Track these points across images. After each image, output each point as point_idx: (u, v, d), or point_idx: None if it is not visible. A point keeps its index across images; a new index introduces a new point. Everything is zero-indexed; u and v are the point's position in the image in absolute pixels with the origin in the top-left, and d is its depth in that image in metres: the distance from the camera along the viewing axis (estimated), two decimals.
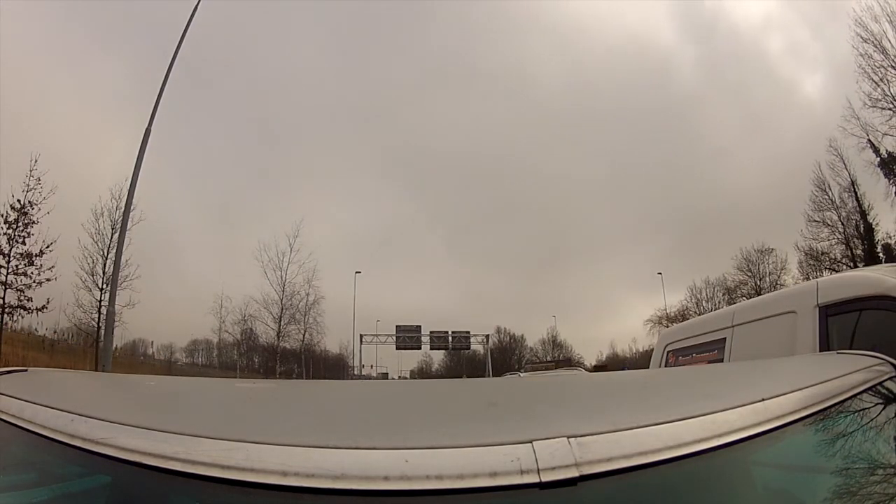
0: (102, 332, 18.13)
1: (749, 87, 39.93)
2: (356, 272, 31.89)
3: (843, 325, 2.76)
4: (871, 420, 1.04)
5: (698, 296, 33.07)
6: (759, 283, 30.05)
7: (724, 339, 3.59)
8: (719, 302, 31.07)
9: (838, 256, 25.46)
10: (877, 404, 1.06)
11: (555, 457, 0.63)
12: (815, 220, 26.05)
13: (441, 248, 49.08)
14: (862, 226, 24.76)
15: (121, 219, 17.36)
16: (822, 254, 25.85)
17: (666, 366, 4.36)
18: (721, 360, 3.54)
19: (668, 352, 4.42)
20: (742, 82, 39.88)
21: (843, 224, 25.35)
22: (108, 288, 18.20)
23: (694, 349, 4.05)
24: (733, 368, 2.23)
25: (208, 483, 0.64)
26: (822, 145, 25.14)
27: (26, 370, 1.33)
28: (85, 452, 0.73)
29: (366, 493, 0.61)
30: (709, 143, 41.79)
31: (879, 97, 22.88)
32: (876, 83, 22.84)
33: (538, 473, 0.61)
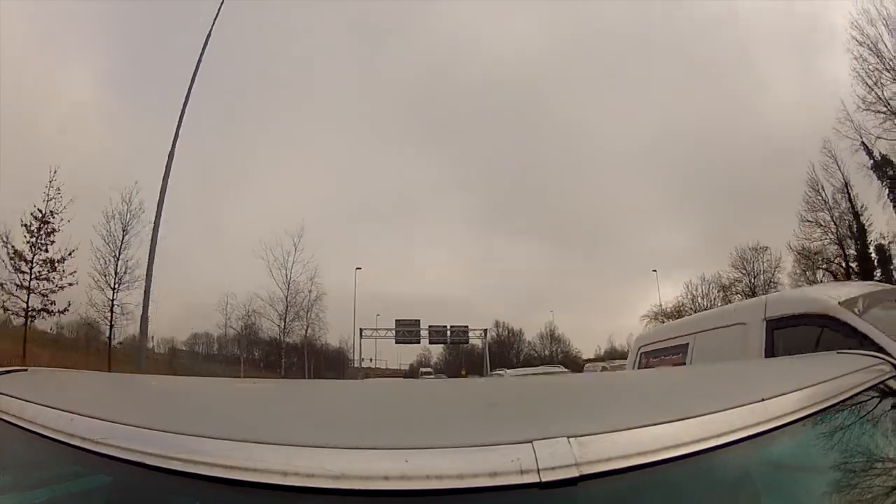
0: (115, 330, 21.51)
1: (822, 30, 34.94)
2: (357, 268, 32.36)
3: (786, 337, 3.11)
4: (872, 420, 1.04)
5: (694, 292, 33.18)
6: (753, 280, 30.32)
7: (688, 344, 3.97)
8: (714, 299, 31.32)
9: (831, 256, 25.79)
10: (877, 404, 1.06)
11: (555, 457, 0.63)
12: (808, 221, 26.40)
13: (445, 224, 46.42)
14: (855, 226, 25.03)
15: (130, 220, 21.52)
16: (815, 253, 26.19)
17: (639, 367, 4.73)
18: (684, 363, 3.91)
19: (642, 353, 4.78)
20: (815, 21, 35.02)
21: (835, 224, 25.64)
22: (120, 288, 21.88)
23: (663, 352, 4.41)
24: (733, 368, 2.23)
25: (209, 483, 0.64)
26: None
27: (26, 370, 1.33)
28: (85, 452, 0.73)
29: (366, 493, 0.61)
30: (765, 99, 36.70)
31: (874, 100, 23.02)
32: (870, 87, 22.98)
33: (538, 473, 0.61)
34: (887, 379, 1.11)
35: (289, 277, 29.58)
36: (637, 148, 40.00)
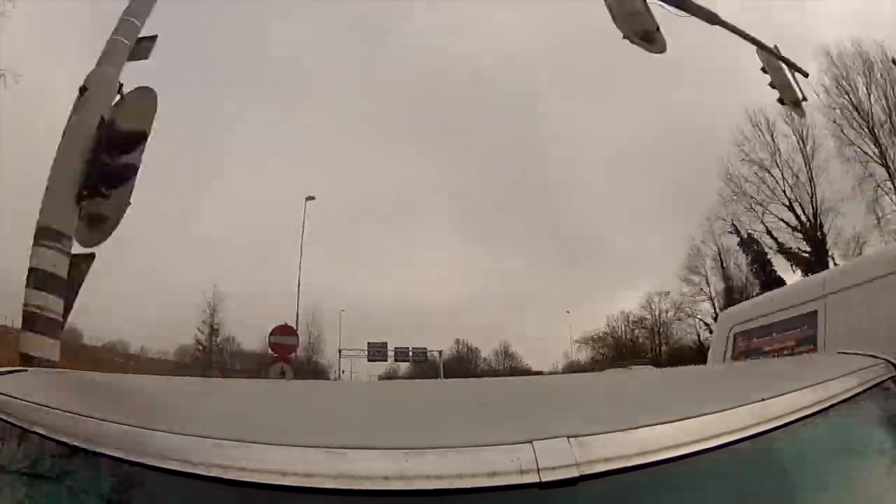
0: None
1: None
2: (341, 311, 39.25)
3: None
4: (871, 420, 1.04)
5: (613, 324, 38.48)
6: (658, 317, 35.99)
7: (815, 311, 2.84)
8: (624, 332, 37.81)
9: (705, 312, 31.96)
10: (877, 404, 1.06)
11: (555, 457, 0.63)
12: (687, 279, 32.80)
13: (444, 224, 46.60)
14: (724, 288, 30.95)
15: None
16: (687, 306, 32.99)
17: (734, 352, 3.47)
18: (812, 338, 2.81)
19: (736, 335, 3.49)
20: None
21: (710, 287, 32.02)
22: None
23: (773, 328, 3.18)
24: (733, 368, 2.23)
25: (207, 483, 0.64)
26: None
27: (26, 370, 1.33)
28: (85, 452, 0.73)
29: (366, 493, 0.61)
30: (765, 99, 36.52)
31: (738, 194, 29.05)
32: (735, 185, 29.13)
33: (538, 473, 0.61)
34: (887, 379, 1.10)
35: (310, 332, 38.41)
36: (637, 148, 40.16)
